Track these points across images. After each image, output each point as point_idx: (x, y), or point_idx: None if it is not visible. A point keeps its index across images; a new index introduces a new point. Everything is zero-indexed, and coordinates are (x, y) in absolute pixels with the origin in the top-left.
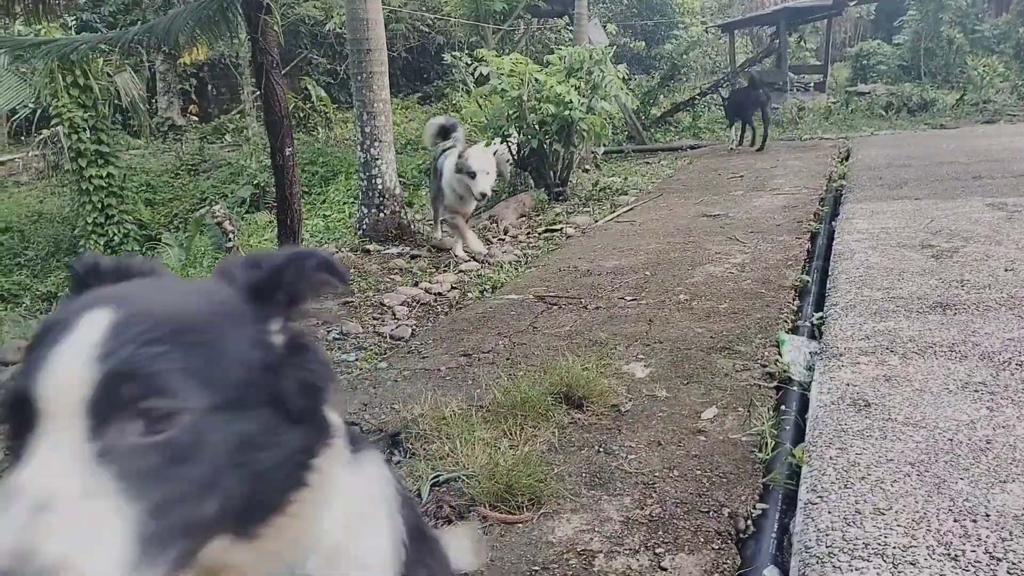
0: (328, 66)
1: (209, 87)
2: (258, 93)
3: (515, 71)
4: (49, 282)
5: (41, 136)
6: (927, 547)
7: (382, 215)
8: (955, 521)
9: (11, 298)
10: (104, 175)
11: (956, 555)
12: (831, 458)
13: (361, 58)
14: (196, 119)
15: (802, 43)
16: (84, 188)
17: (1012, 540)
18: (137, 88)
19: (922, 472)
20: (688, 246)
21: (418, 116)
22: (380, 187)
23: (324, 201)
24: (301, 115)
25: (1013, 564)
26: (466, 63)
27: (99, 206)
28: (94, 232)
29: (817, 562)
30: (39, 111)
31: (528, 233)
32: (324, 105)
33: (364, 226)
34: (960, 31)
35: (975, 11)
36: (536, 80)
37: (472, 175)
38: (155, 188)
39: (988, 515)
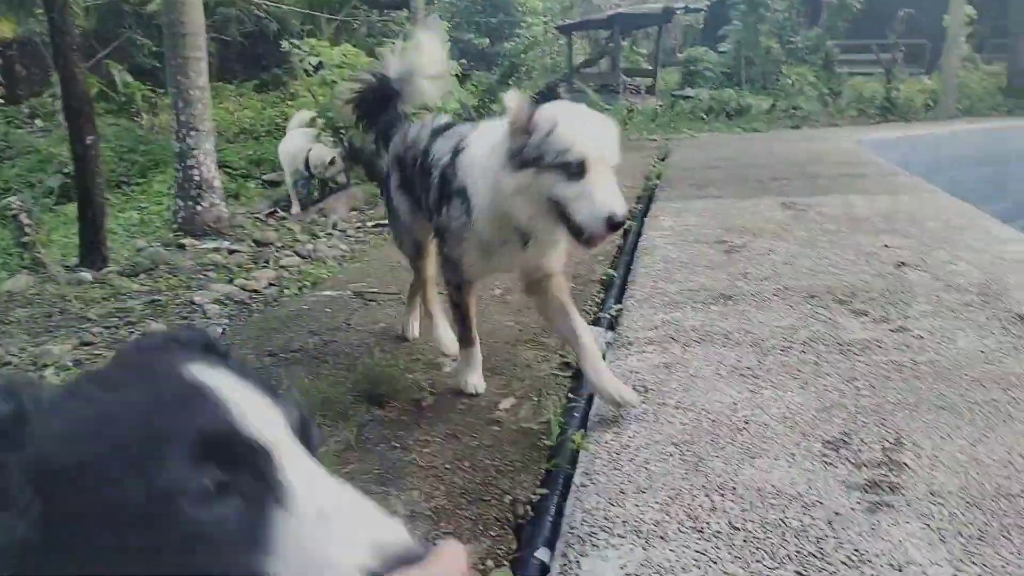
0: (154, 48)
1: (17, 67)
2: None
3: (347, 63)
4: None
5: None
6: (678, 522)
7: (199, 208)
8: (706, 496)
9: None
10: None
11: (702, 528)
12: (606, 442)
13: (176, 42)
14: (2, 101)
15: (634, 48)
16: None
17: (751, 510)
18: None
19: (684, 452)
20: None
21: (254, 104)
22: (198, 179)
23: (143, 192)
24: (122, 99)
25: (749, 532)
26: (301, 52)
27: None
28: None
29: (579, 542)
30: None
31: (359, 227)
32: (134, 90)
33: (180, 219)
34: (777, 42)
35: (791, 24)
36: None
37: (575, 170)
38: None
39: (735, 489)
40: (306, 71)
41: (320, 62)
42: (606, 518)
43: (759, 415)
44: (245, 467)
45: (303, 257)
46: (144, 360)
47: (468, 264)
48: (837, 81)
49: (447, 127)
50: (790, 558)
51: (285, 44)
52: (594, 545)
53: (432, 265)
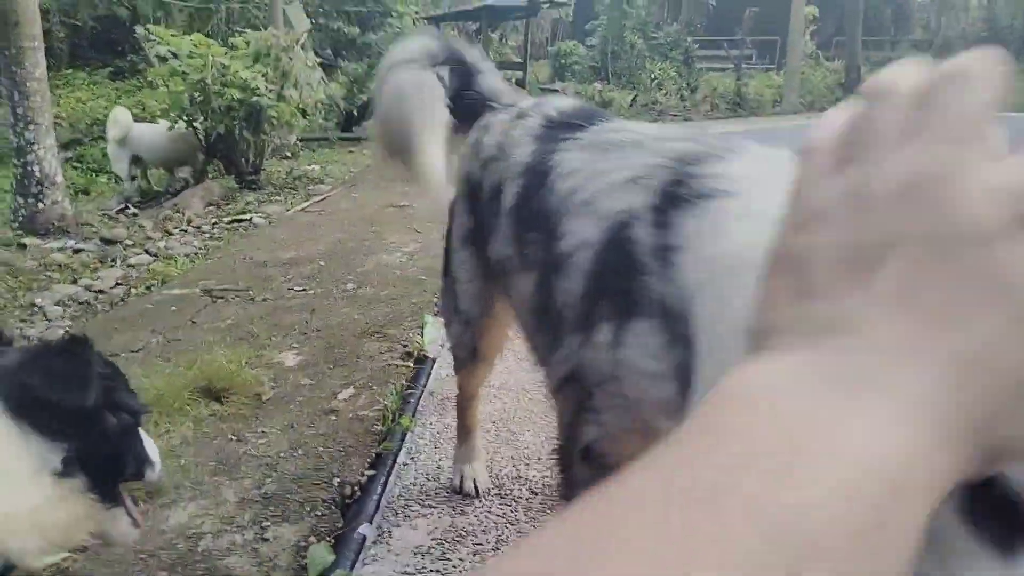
0: None
1: None
2: None
3: (197, 53)
4: None
5: None
6: (485, 490)
7: (41, 206)
8: (513, 467)
9: None
10: None
11: (505, 494)
12: (431, 424)
13: (8, 31)
14: None
15: (503, 40)
16: None
17: (551, 477)
18: None
19: (499, 428)
20: (369, 236)
21: (108, 92)
22: (38, 175)
23: None
24: None
25: (546, 495)
26: (150, 40)
27: None
28: None
29: (393, 514)
30: None
31: (214, 223)
32: None
33: (20, 218)
34: (641, 37)
35: (653, 20)
36: (221, 64)
37: None
38: None
39: (540, 459)
40: (161, 57)
41: (172, 51)
42: (421, 491)
43: None
44: None
45: (153, 255)
46: None
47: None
48: (695, 76)
49: (589, 119)
50: None
51: (139, 30)
52: (406, 516)
53: (483, 376)
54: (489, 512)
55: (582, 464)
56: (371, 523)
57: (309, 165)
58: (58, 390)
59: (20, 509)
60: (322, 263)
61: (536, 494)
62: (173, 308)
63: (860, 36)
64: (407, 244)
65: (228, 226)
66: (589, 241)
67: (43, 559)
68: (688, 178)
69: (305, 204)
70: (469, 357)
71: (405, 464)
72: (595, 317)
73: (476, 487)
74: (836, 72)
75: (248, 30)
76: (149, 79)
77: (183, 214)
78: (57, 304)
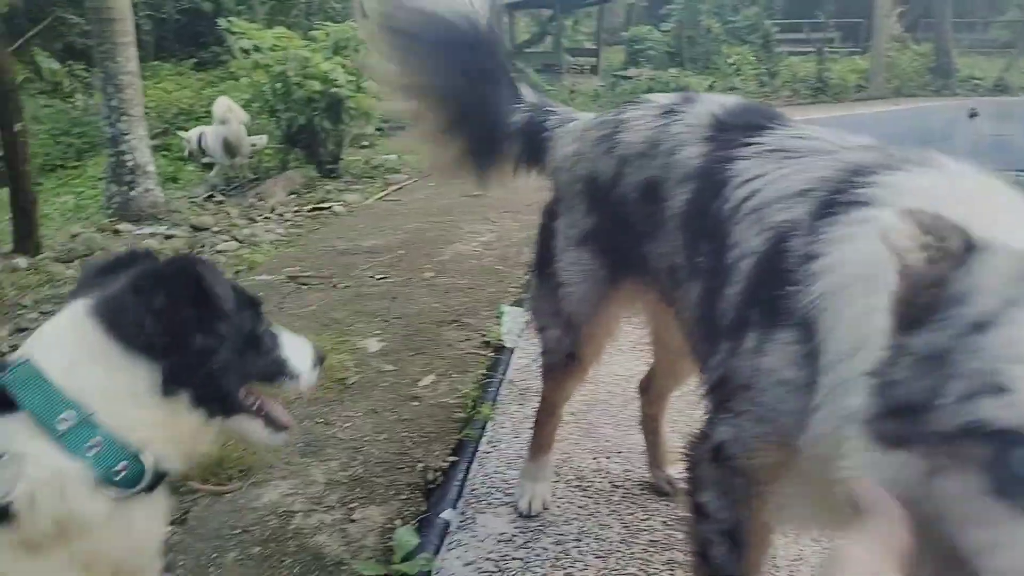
0: (86, 27)
1: None
2: None
3: (279, 46)
4: None
5: None
6: (566, 481)
7: (133, 193)
8: (593, 458)
9: None
10: None
11: (586, 486)
12: (511, 413)
13: (103, 28)
14: None
15: (577, 26)
16: None
17: (632, 471)
18: None
19: (579, 420)
20: (445, 225)
21: (193, 83)
22: (131, 164)
23: (78, 176)
24: (54, 80)
25: (627, 490)
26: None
27: None
28: None
29: (477, 500)
30: None
31: (296, 211)
32: (58, 77)
33: (114, 205)
34: (718, 21)
35: (730, 3)
36: (302, 56)
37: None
38: None
39: (620, 452)
40: (244, 50)
41: (255, 44)
42: (503, 480)
43: None
44: None
45: (240, 241)
46: None
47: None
48: (774, 61)
49: (767, 120)
50: (659, 511)
51: (222, 22)
52: (489, 504)
53: (574, 386)
54: (571, 503)
55: (710, 463)
56: (454, 509)
57: (386, 155)
58: (160, 307)
59: (139, 425)
60: (401, 252)
61: (618, 487)
62: (260, 294)
63: (950, 17)
64: (482, 234)
65: (309, 214)
66: (752, 250)
67: (184, 466)
68: (850, 188)
69: (383, 193)
70: (565, 363)
71: (487, 452)
72: (745, 325)
73: (531, 508)
74: (924, 56)
75: (328, 23)
76: (232, 70)
77: (266, 202)
78: None
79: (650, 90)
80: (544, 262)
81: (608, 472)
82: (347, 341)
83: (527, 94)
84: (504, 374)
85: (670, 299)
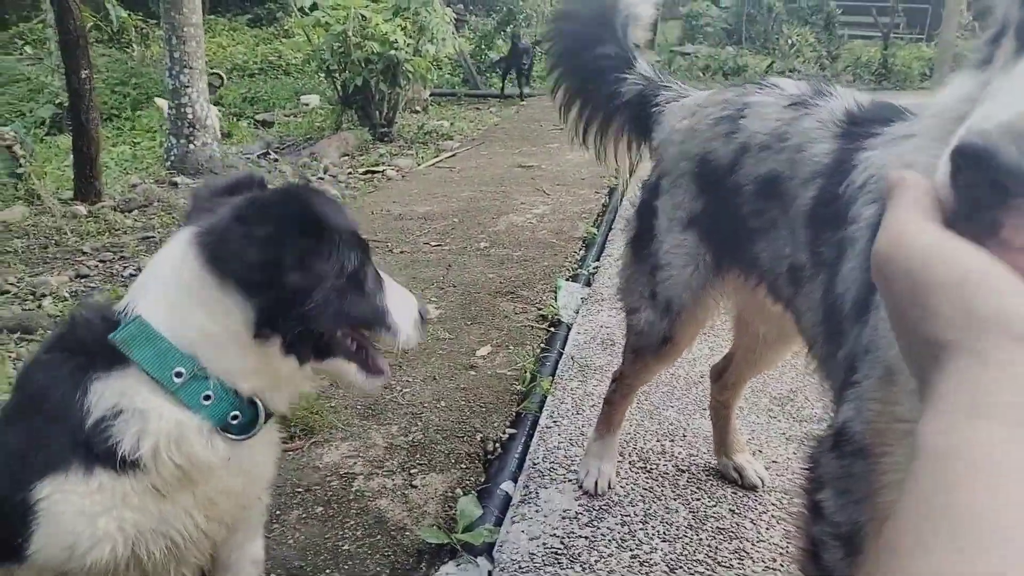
0: None
1: None
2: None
3: (341, 4)
4: None
5: None
6: (630, 462)
7: (192, 147)
8: (657, 441)
9: None
10: None
11: (651, 468)
12: (572, 389)
13: None
14: None
15: None
16: None
17: (697, 456)
18: None
19: (641, 401)
20: (498, 195)
21: (247, 40)
22: (190, 116)
23: (134, 127)
24: (113, 29)
25: (692, 474)
26: None
27: None
28: None
29: (539, 475)
30: None
31: (349, 173)
32: (126, 26)
33: (172, 157)
34: (779, 0)
35: None
36: (362, 16)
37: None
38: None
39: (684, 436)
40: (302, 10)
41: (314, 2)
42: (566, 456)
43: None
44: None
45: None
46: None
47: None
48: (836, 44)
49: (896, 117)
50: (726, 498)
51: None
52: (552, 479)
53: (660, 370)
54: (635, 484)
55: (831, 454)
56: (514, 482)
57: (438, 121)
58: (264, 236)
59: (245, 371)
60: (455, 219)
61: (683, 471)
62: None
63: None
64: (536, 206)
65: (363, 177)
66: (868, 222)
67: (282, 406)
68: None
69: (435, 160)
70: (659, 346)
71: (548, 427)
72: (868, 298)
73: (597, 488)
74: None
75: None
76: (286, 28)
77: (319, 162)
78: None
79: (707, 68)
80: (642, 242)
81: (673, 455)
82: None
83: (642, 66)
84: (563, 349)
85: (786, 301)
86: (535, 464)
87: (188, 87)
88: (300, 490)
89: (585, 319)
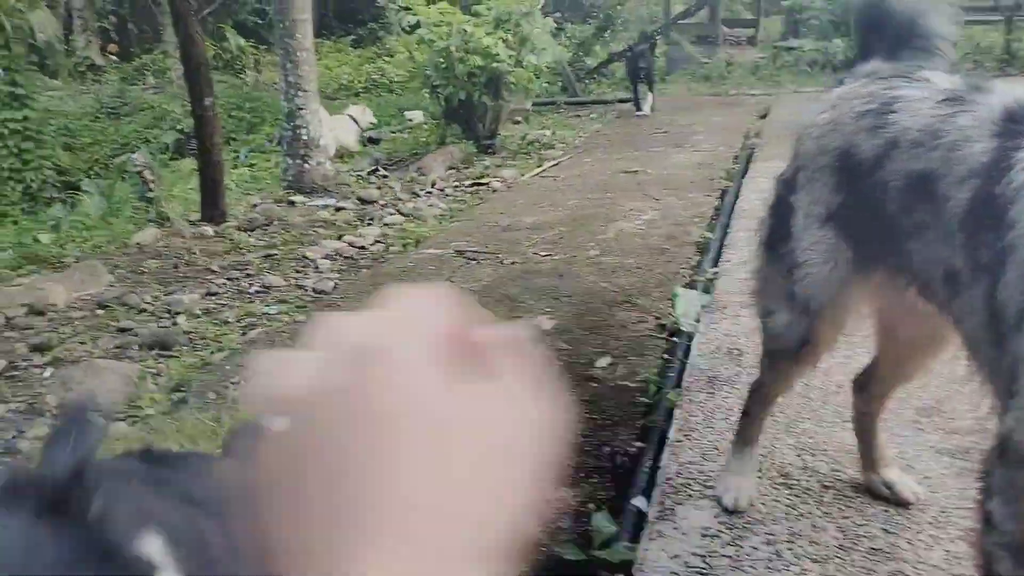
0: (256, 5)
1: (129, 25)
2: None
3: (443, 21)
4: None
5: None
6: (769, 478)
7: (307, 166)
8: (797, 455)
9: None
10: (20, 118)
11: (792, 484)
12: (700, 401)
13: (284, 4)
14: (116, 59)
15: None
16: None
17: (841, 471)
18: (53, 26)
19: (776, 414)
20: (605, 202)
21: (351, 60)
22: (305, 137)
23: (250, 150)
24: (228, 56)
25: (838, 491)
26: (396, 8)
27: (15, 151)
28: (11, 178)
29: (674, 491)
30: None
31: (456, 186)
32: (244, 53)
33: (289, 177)
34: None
35: None
36: (464, 31)
37: None
38: (74, 132)
39: (826, 450)
40: (404, 29)
41: (417, 20)
42: (700, 471)
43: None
44: None
45: (405, 215)
46: None
47: None
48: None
49: None
50: (877, 516)
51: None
52: (688, 495)
53: (800, 375)
54: (777, 502)
55: (998, 462)
56: (646, 497)
57: (540, 130)
58: None
59: None
60: (563, 228)
61: (827, 488)
62: (431, 267)
63: None
64: (645, 212)
65: (469, 189)
66: None
67: None
68: None
69: (539, 169)
70: (796, 350)
71: (679, 441)
72: None
73: (736, 504)
74: None
75: None
76: (388, 47)
77: (426, 177)
78: (325, 258)
79: (814, 62)
80: (777, 240)
81: (815, 471)
82: (520, 317)
83: None
84: (686, 360)
85: (942, 304)
86: (668, 480)
87: (303, 109)
88: None
89: (708, 328)
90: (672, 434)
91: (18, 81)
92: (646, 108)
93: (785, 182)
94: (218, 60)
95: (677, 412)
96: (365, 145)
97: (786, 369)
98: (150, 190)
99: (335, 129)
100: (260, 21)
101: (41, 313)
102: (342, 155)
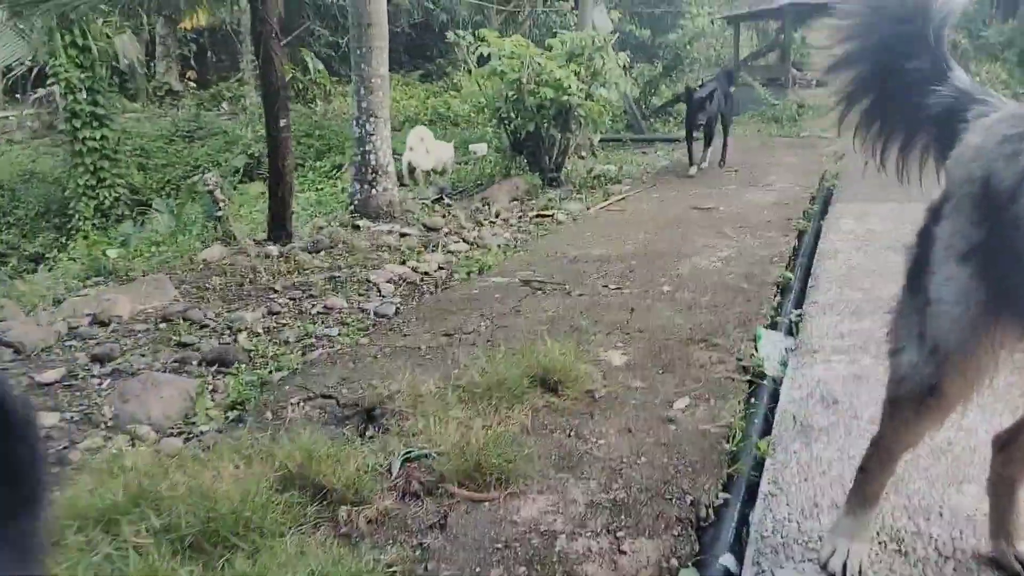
0: (330, 38)
1: (208, 54)
2: (257, 63)
3: (516, 53)
4: (37, 243)
5: (37, 95)
6: (880, 543)
7: (374, 191)
8: (908, 519)
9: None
10: (98, 137)
11: (907, 551)
12: (795, 451)
13: (361, 32)
14: (194, 85)
15: (805, 41)
16: (77, 150)
17: (961, 539)
18: (136, 51)
19: None
20: (676, 238)
21: (418, 93)
22: (373, 163)
23: (318, 174)
24: (300, 87)
25: (959, 561)
26: (469, 42)
27: (91, 168)
28: (85, 195)
29: (772, 551)
30: (35, 69)
31: (520, 217)
32: (322, 79)
33: (356, 202)
34: (966, 36)
35: (981, 16)
36: (536, 63)
37: None
38: (149, 153)
39: (942, 514)
40: (473, 61)
41: (487, 54)
42: (799, 530)
43: (964, 438)
44: None
45: (469, 244)
46: None
47: None
48: None
49: None
50: None
51: (450, 35)
52: (788, 556)
53: (931, 427)
54: (890, 570)
55: None
56: (733, 554)
57: (606, 165)
58: None
59: None
60: (633, 262)
61: (947, 558)
62: (496, 296)
63: None
64: (720, 249)
65: (534, 221)
66: None
67: None
68: None
69: (605, 203)
70: (920, 397)
71: (772, 495)
72: None
73: (845, 571)
74: None
75: (563, 31)
76: (454, 81)
77: (490, 207)
78: (388, 282)
79: None
80: (916, 272)
81: (931, 537)
82: (589, 351)
83: (958, 77)
84: (774, 405)
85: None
86: (763, 537)
87: (373, 135)
88: (499, 546)
89: (797, 372)
90: (764, 486)
91: (99, 102)
92: (693, 170)
93: (932, 210)
94: (292, 88)
95: (768, 462)
96: (429, 175)
97: (908, 420)
98: (219, 209)
99: (437, 151)
100: (333, 53)
101: (105, 324)
102: (441, 172)
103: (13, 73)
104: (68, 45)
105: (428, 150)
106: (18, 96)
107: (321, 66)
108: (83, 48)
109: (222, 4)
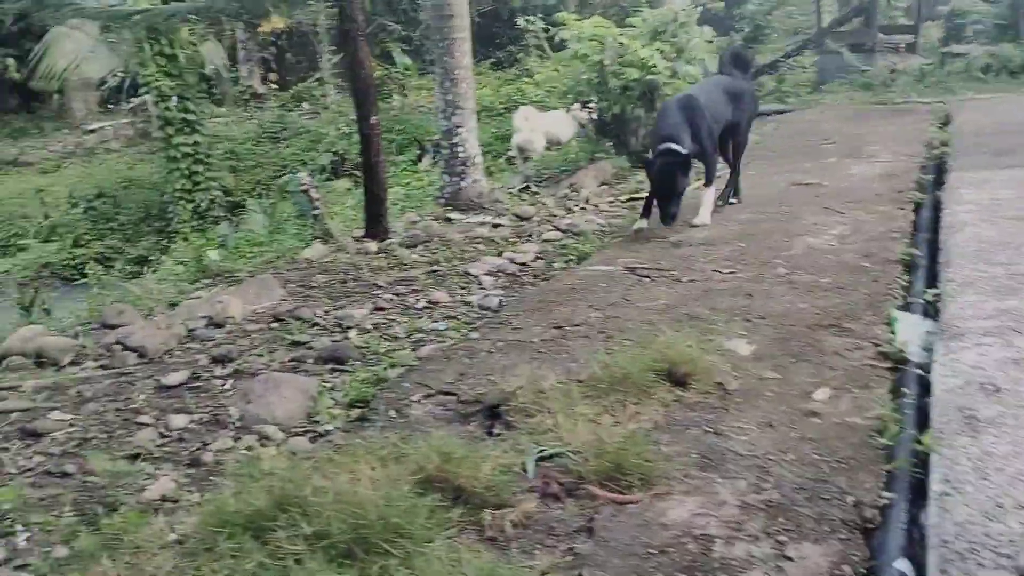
0: (403, 32)
1: (287, 55)
2: (335, 61)
3: (597, 35)
4: (140, 246)
5: (130, 104)
6: None
7: (464, 184)
8: None
9: (105, 261)
10: (191, 143)
11: None
12: (963, 447)
13: (443, 24)
14: (276, 87)
15: (890, 2)
16: (172, 155)
17: None
18: (220, 57)
19: None
20: (782, 216)
21: (491, 83)
22: (462, 155)
23: (401, 169)
24: (378, 83)
25: None
26: (541, 28)
27: (186, 173)
28: (182, 198)
29: (959, 558)
30: (127, 80)
31: (610, 202)
32: (409, 73)
33: (446, 194)
34: None
35: None
36: (620, 44)
37: None
38: (238, 155)
39: None
40: (548, 47)
41: (564, 38)
42: (987, 535)
43: None
44: None
45: (562, 231)
46: None
47: None
48: None
49: None
50: None
51: (520, 21)
52: (979, 564)
53: None
54: None
55: None
56: (910, 560)
57: None
58: None
59: None
60: (741, 244)
61: None
62: (602, 284)
63: None
64: (832, 226)
65: (625, 205)
66: None
67: None
68: None
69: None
70: None
71: (947, 495)
72: None
73: None
74: None
75: (644, 7)
76: (527, 67)
77: (579, 193)
78: (487, 274)
79: (987, 67)
80: None
81: None
82: (712, 340)
83: None
84: (926, 395)
85: None
86: (945, 542)
87: (460, 127)
88: (653, 551)
89: (947, 358)
90: (935, 486)
91: (190, 108)
92: (698, 220)
93: None
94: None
95: (934, 459)
96: (510, 163)
97: None
98: (316, 208)
99: (547, 127)
100: (406, 47)
101: (220, 325)
102: (553, 147)
103: (107, 86)
104: (156, 55)
105: (534, 128)
106: (112, 107)
107: (408, 60)
108: (171, 57)
109: (299, 6)
